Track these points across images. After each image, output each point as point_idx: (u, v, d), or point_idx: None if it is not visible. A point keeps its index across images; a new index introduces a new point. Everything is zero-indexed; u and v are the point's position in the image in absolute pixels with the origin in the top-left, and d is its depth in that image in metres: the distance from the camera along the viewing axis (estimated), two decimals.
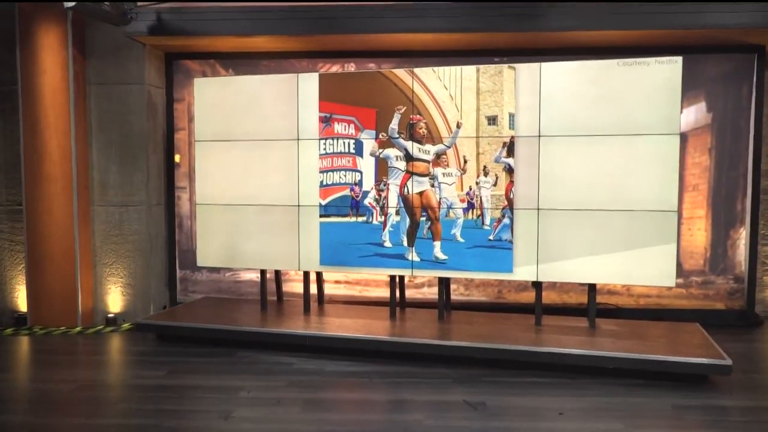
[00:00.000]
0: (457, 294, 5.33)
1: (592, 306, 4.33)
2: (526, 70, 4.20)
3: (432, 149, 4.40)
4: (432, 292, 5.40)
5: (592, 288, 4.30)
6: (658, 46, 4.89)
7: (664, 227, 4.00)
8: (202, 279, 5.60)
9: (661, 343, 3.99)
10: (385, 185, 4.52)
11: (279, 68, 5.31)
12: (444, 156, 4.39)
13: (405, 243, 4.49)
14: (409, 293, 5.16)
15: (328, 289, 5.39)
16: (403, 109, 4.40)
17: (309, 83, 4.59)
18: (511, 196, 4.26)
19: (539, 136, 4.18)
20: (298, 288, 5.14)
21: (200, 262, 4.95)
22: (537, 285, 4.37)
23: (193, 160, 5.11)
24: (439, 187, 4.42)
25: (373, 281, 5.40)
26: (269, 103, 4.68)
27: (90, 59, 5.03)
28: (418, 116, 4.40)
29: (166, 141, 5.46)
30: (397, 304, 4.75)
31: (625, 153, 4.05)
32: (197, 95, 4.84)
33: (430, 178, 4.43)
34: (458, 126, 4.33)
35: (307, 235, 4.65)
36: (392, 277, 4.64)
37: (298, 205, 4.66)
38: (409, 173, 4.44)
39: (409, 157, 4.43)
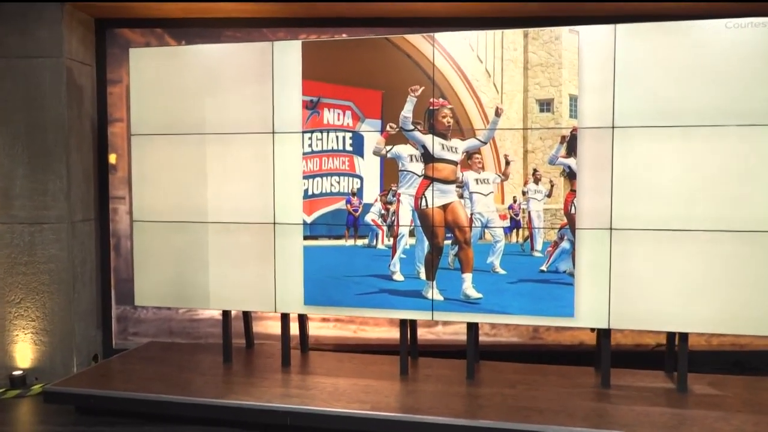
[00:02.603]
0: (480, 333, 4.09)
1: (683, 363, 3.13)
2: (595, 34, 2.99)
3: (461, 146, 3.17)
4: (448, 332, 4.17)
5: (683, 338, 3.10)
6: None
7: None
8: (148, 317, 4.28)
9: None
10: (394, 196, 3.28)
11: (248, 40, 4.03)
12: (478, 155, 3.16)
13: (422, 275, 3.25)
14: (420, 333, 3.92)
15: (314, 329, 4.12)
16: (419, 91, 3.16)
17: (289, 55, 3.32)
18: (573, 212, 3.05)
19: (613, 127, 2.98)
20: (274, 327, 3.88)
21: (138, 301, 3.64)
22: (604, 333, 3.16)
23: None
24: (471, 199, 3.19)
25: (372, 319, 4.14)
26: (234, 83, 3.40)
27: None
28: (441, 100, 3.16)
29: (98, 136, 4.14)
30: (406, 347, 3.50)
31: (739, 151, 2.86)
32: (133, 71, 3.53)
33: (458, 186, 3.20)
34: (497, 114, 3.11)
35: (286, 264, 3.39)
36: (403, 321, 3.40)
37: (274, 223, 3.39)
38: (429, 179, 3.20)
39: (428, 157, 3.19)
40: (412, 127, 3.19)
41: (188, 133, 3.48)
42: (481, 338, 4.00)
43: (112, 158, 4.22)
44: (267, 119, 3.37)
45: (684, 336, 3.08)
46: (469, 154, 3.17)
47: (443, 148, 3.17)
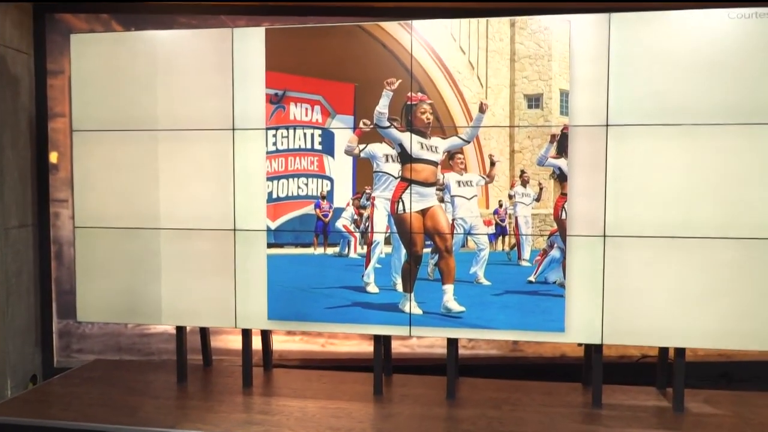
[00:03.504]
0: (458, 346, 3.82)
1: (680, 380, 2.90)
2: (588, 23, 2.74)
3: (442, 145, 2.88)
4: (423, 345, 3.90)
5: (679, 353, 2.87)
6: None
7: None
8: (94, 333, 3.89)
9: None
10: (368, 199, 2.98)
11: (204, 28, 3.66)
12: (460, 156, 2.88)
13: (399, 287, 2.96)
14: (394, 346, 3.61)
15: (278, 343, 3.79)
16: (396, 84, 2.87)
17: (250, 42, 3.00)
18: (564, 217, 2.80)
19: (607, 125, 2.74)
20: (235, 341, 3.55)
21: (82, 316, 3.25)
22: (596, 348, 2.92)
23: None
24: (453, 203, 2.91)
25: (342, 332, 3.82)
26: (189, 74, 3.05)
27: None
28: (419, 95, 2.87)
29: (36, 132, 3.73)
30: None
31: (745, 151, 2.65)
32: (75, 60, 3.15)
33: (438, 189, 2.91)
34: (482, 110, 2.84)
35: (248, 275, 3.05)
36: (377, 336, 3.10)
37: (234, 229, 3.06)
38: (407, 181, 2.91)
39: (406, 157, 2.90)
40: (387, 124, 2.89)
41: (138, 130, 3.12)
42: (459, 352, 3.72)
43: (53, 157, 3.81)
44: (226, 114, 3.03)
45: (681, 351, 2.86)
46: (451, 154, 2.89)
47: (422, 147, 2.89)
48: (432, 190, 2.91)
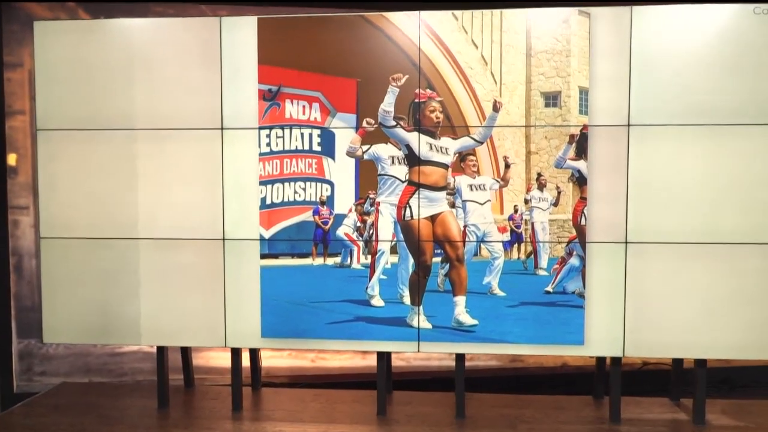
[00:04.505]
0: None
1: (702, 391, 2.77)
2: (608, 17, 2.57)
3: (452, 146, 2.68)
4: (419, 357, 3.69)
5: (700, 363, 2.74)
6: None
7: None
8: (59, 353, 3.54)
9: None
10: (372, 205, 2.74)
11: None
12: (472, 157, 2.68)
13: (406, 299, 2.74)
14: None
15: (265, 359, 3.51)
16: (403, 80, 2.64)
17: (241, 33, 2.72)
18: (583, 223, 2.63)
19: (629, 125, 2.58)
20: (217, 358, 3.26)
21: (48, 338, 2.92)
22: (614, 360, 2.76)
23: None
24: (465, 208, 2.71)
25: None
26: (170, 67, 2.76)
27: None
28: (428, 91, 2.65)
29: None
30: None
31: None
32: (39, 50, 2.81)
33: (448, 194, 2.70)
34: (496, 108, 2.64)
35: (239, 289, 2.78)
36: (380, 353, 2.87)
37: (224, 239, 2.78)
38: (414, 185, 2.69)
39: (413, 159, 2.68)
40: (393, 123, 2.67)
41: (113, 129, 2.81)
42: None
43: (12, 159, 3.44)
44: (214, 112, 2.75)
45: (702, 361, 2.72)
46: (462, 156, 2.68)
47: (432, 148, 2.67)
48: (442, 194, 2.70)
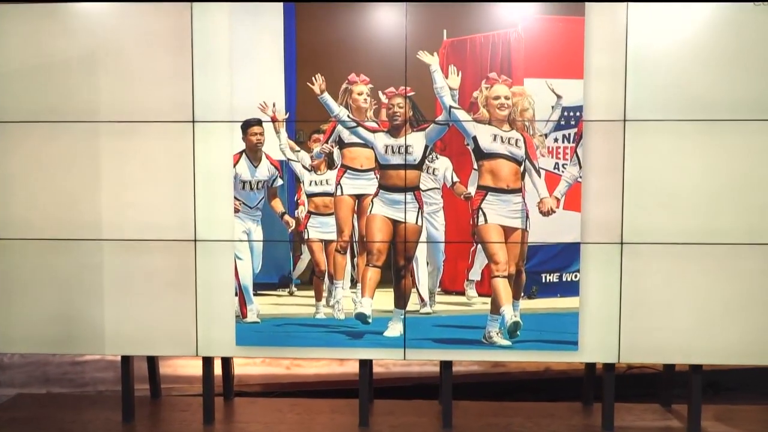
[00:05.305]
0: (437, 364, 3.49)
1: (697, 398, 2.67)
2: (603, 12, 2.46)
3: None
4: (399, 363, 3.54)
5: (696, 369, 2.64)
6: None
7: None
8: (14, 362, 3.30)
9: None
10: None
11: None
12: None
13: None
14: None
15: (239, 367, 3.32)
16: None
17: (213, 19, 2.54)
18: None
19: (625, 120, 2.47)
20: (185, 366, 3.08)
21: (3, 347, 2.69)
22: (607, 366, 2.65)
23: None
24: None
25: None
26: (137, 55, 2.57)
27: None
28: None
29: None
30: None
31: None
32: None
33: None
34: None
35: (211, 294, 2.60)
36: (363, 361, 2.71)
37: (195, 240, 2.59)
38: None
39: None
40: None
41: (74, 121, 2.60)
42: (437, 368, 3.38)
43: None
44: (184, 104, 2.56)
45: (698, 367, 2.63)
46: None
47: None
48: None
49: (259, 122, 2.54)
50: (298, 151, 2.56)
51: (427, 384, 3.34)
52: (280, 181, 2.60)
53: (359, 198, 2.56)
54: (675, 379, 2.91)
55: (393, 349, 2.58)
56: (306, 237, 2.61)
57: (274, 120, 2.53)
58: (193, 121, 2.56)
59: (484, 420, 2.82)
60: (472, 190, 2.54)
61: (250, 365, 3.44)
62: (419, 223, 2.54)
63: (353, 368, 3.32)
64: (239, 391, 3.19)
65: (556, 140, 2.51)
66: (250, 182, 2.57)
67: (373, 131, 2.53)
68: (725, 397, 3.63)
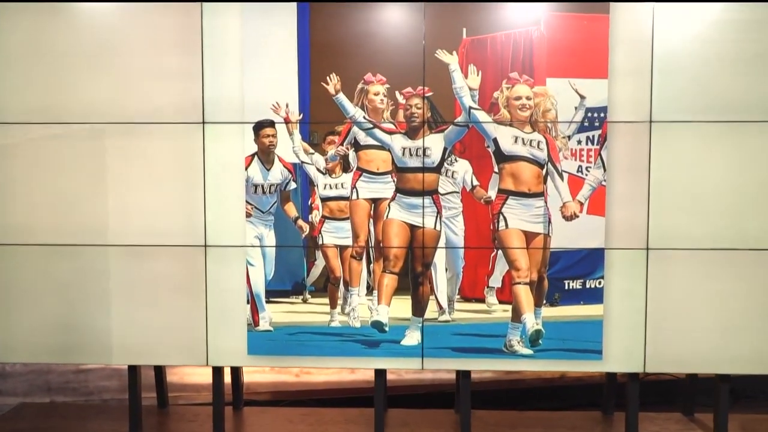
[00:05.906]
0: (451, 371, 3.40)
1: (724, 407, 2.59)
2: (628, 9, 2.37)
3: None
4: (410, 371, 3.45)
5: (723, 379, 2.56)
6: None
7: None
8: (17, 370, 3.21)
9: None
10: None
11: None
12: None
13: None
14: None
15: (248, 375, 3.24)
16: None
17: (225, 16, 2.44)
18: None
19: (651, 121, 2.38)
20: (192, 375, 3.00)
21: (4, 356, 2.60)
22: (631, 377, 2.56)
23: None
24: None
25: None
26: (143, 54, 2.47)
27: None
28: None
29: None
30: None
31: None
32: None
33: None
34: None
35: (222, 301, 2.51)
36: (378, 370, 2.62)
37: (206, 245, 2.50)
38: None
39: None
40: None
41: (77, 122, 2.50)
42: (449, 376, 3.29)
43: None
44: (194, 105, 2.46)
45: (725, 376, 2.55)
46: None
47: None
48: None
49: (271, 124, 2.44)
50: (312, 153, 2.47)
51: (441, 391, 3.26)
52: (293, 185, 2.51)
53: (375, 202, 2.48)
54: (692, 384, 2.84)
55: (410, 359, 2.49)
56: (320, 242, 2.52)
57: (287, 121, 2.44)
58: (203, 123, 2.47)
59: (502, 431, 2.73)
60: (492, 193, 2.45)
61: (259, 372, 3.35)
62: (438, 228, 2.45)
63: (364, 376, 3.25)
64: (248, 399, 3.10)
65: (579, 142, 2.42)
66: (262, 186, 2.48)
67: (390, 133, 2.44)
68: (745, 405, 3.55)
